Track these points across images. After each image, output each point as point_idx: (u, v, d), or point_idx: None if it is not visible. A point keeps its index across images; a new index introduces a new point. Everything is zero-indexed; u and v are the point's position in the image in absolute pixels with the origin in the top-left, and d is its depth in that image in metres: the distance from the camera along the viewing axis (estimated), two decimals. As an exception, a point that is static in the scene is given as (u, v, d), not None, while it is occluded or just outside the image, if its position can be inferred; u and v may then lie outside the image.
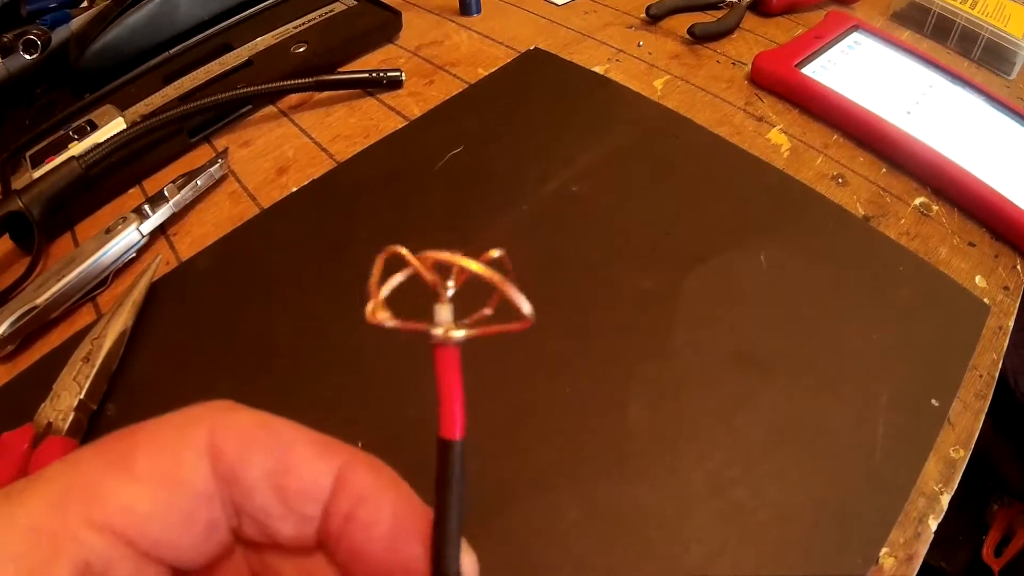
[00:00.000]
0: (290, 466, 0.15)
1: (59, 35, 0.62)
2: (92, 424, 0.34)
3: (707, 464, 0.30)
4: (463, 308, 0.14)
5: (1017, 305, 0.39)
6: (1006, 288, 0.40)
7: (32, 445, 0.33)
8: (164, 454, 0.14)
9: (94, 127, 0.51)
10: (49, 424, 0.33)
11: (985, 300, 0.38)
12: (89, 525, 0.13)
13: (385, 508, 0.15)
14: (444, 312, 0.14)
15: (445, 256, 0.14)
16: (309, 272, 0.39)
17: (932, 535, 0.30)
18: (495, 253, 0.14)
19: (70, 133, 0.51)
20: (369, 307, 0.14)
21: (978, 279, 0.40)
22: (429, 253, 0.14)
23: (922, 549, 0.30)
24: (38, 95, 0.62)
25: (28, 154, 0.50)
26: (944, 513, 0.31)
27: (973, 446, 0.33)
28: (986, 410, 0.35)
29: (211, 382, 0.35)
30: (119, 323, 0.37)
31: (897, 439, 0.31)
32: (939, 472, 0.31)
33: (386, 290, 0.14)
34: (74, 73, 0.59)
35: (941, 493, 0.31)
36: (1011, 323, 0.38)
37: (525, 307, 0.13)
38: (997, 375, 0.36)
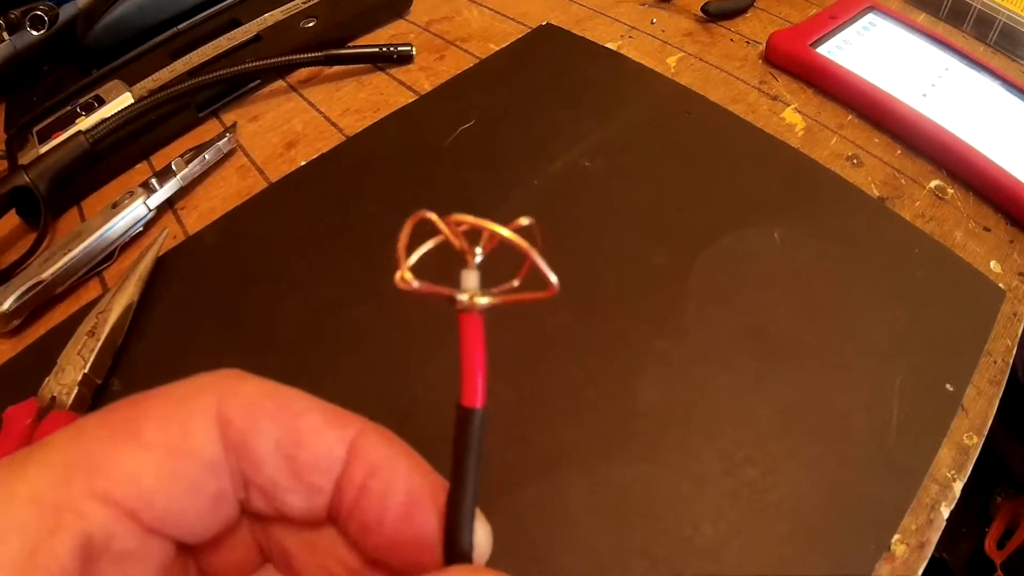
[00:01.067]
0: (301, 436, 0.14)
1: (66, 11, 0.60)
2: (96, 399, 0.34)
3: (719, 444, 0.29)
4: (487, 277, 0.14)
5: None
6: (1021, 274, 0.39)
7: (36, 419, 0.32)
8: (171, 423, 0.14)
9: (101, 102, 0.50)
10: (53, 398, 0.33)
11: (1000, 285, 0.37)
12: (92, 496, 0.13)
13: (399, 479, 0.14)
14: (471, 278, 0.14)
15: (475, 220, 0.13)
16: (317, 247, 0.38)
17: (944, 522, 0.29)
18: (524, 221, 0.14)
19: (77, 109, 0.50)
20: (398, 274, 0.14)
21: (993, 264, 0.39)
22: (458, 216, 0.14)
23: (934, 537, 0.29)
24: (45, 72, 0.61)
25: (35, 130, 0.49)
26: (956, 501, 0.30)
27: (986, 433, 0.32)
28: (1000, 396, 0.34)
29: (217, 357, 0.34)
30: (125, 297, 0.36)
31: (911, 424, 0.30)
32: (952, 459, 0.30)
33: (415, 257, 0.14)
34: (81, 49, 0.58)
35: (954, 480, 0.30)
36: (1025, 309, 0.37)
37: (552, 276, 0.13)
38: (1011, 361, 0.35)
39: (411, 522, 0.14)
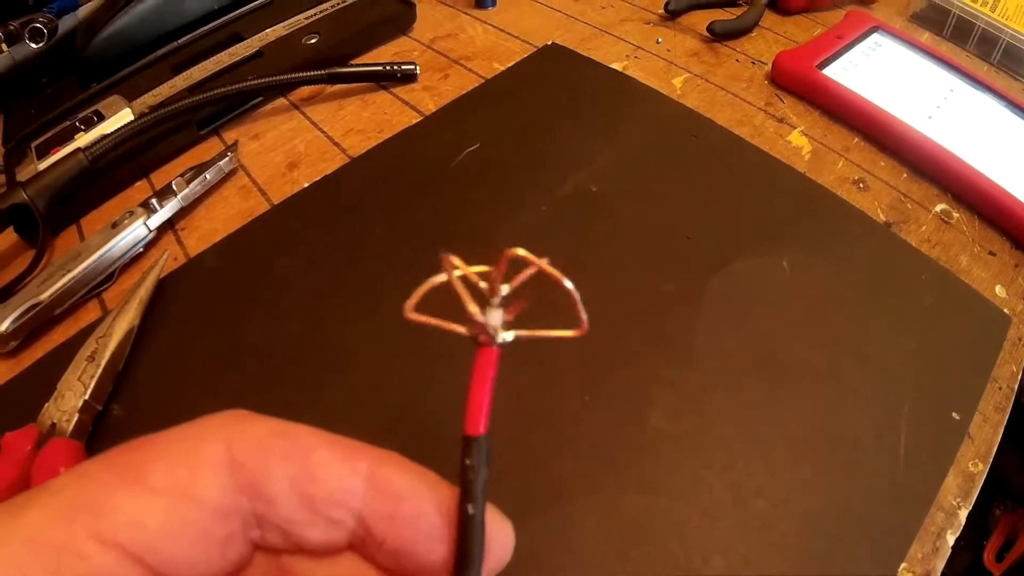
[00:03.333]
0: (314, 472, 0.15)
1: (66, 23, 0.61)
2: (97, 425, 0.34)
3: (729, 474, 0.30)
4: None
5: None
6: None
7: (36, 446, 0.32)
8: (179, 468, 0.14)
9: (101, 118, 0.50)
10: (53, 425, 0.33)
11: (1005, 311, 0.38)
12: (96, 539, 0.13)
13: (427, 503, 0.15)
14: (495, 315, 0.15)
15: (531, 257, 0.15)
16: (320, 270, 0.39)
17: (949, 550, 0.30)
18: (519, 252, 0.15)
19: (76, 124, 0.50)
20: (406, 307, 0.15)
21: (998, 289, 0.39)
22: (513, 251, 0.15)
23: (939, 564, 0.30)
24: (44, 84, 0.62)
25: (34, 145, 0.50)
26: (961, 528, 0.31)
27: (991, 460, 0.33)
28: (1005, 423, 0.34)
29: (219, 382, 0.35)
30: (125, 321, 0.36)
31: (919, 452, 0.30)
32: (958, 486, 0.31)
33: (421, 291, 0.15)
34: (81, 62, 0.59)
35: (959, 508, 0.31)
36: None
37: (584, 317, 0.14)
38: (1016, 387, 0.36)
39: (446, 541, 0.15)
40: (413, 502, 0.15)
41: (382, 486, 0.15)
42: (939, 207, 0.44)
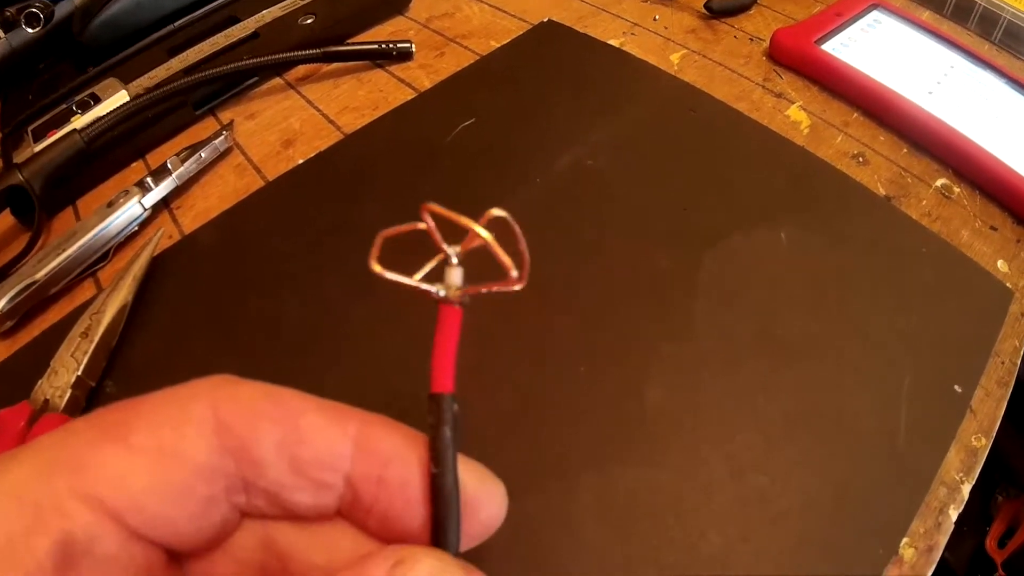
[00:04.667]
0: (302, 435, 0.14)
1: (62, 8, 0.60)
2: (90, 401, 0.33)
3: (727, 448, 0.28)
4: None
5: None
6: None
7: (29, 423, 0.32)
8: (163, 427, 0.14)
9: (97, 100, 0.49)
10: (46, 401, 0.32)
11: (1008, 285, 0.37)
12: (76, 496, 0.12)
13: (414, 466, 0.15)
14: (455, 275, 0.15)
15: (446, 212, 0.14)
16: (316, 246, 0.38)
17: (952, 525, 0.29)
18: (496, 212, 0.15)
19: (72, 107, 0.50)
20: (370, 261, 0.15)
21: (1000, 263, 0.38)
22: (431, 206, 0.15)
23: (942, 540, 0.29)
24: (41, 69, 0.61)
25: (30, 128, 0.49)
26: (964, 503, 0.30)
27: (994, 435, 0.32)
28: (1008, 397, 0.33)
29: (214, 359, 0.34)
30: (119, 298, 0.35)
31: (920, 426, 0.29)
32: (960, 461, 0.30)
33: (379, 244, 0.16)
34: (78, 47, 0.58)
35: (962, 483, 0.30)
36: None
37: (513, 271, 0.14)
38: (1019, 362, 0.35)
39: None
40: (400, 464, 0.15)
41: (370, 448, 0.15)
42: (940, 182, 0.42)
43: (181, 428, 0.14)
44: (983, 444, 0.31)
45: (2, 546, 0.12)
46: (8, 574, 0.12)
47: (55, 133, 0.47)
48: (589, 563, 0.25)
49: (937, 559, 0.28)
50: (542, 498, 0.27)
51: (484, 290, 0.15)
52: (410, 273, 0.15)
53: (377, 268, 0.15)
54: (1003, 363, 0.34)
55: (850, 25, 0.53)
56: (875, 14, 0.54)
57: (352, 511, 0.15)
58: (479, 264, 0.15)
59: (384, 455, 0.15)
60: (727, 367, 0.32)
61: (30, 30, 0.57)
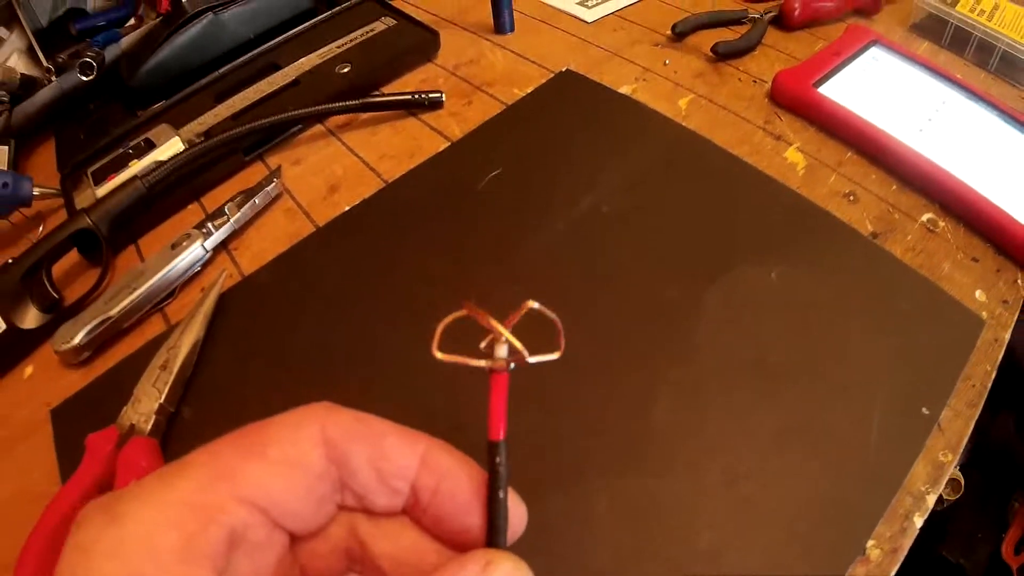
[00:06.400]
0: (385, 452, 0.20)
1: (110, 52, 0.68)
2: (170, 425, 0.40)
3: (722, 460, 0.35)
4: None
5: (1015, 318, 0.44)
6: (1005, 302, 0.44)
7: (117, 446, 0.38)
8: (289, 444, 0.19)
9: (151, 145, 0.57)
10: (132, 426, 0.39)
11: (984, 313, 0.42)
12: (234, 499, 0.17)
13: (463, 481, 0.20)
14: (502, 350, 0.20)
15: (489, 323, 0.20)
16: (362, 287, 0.45)
17: (917, 531, 0.35)
18: (532, 304, 0.20)
19: (129, 151, 0.57)
20: (434, 349, 0.20)
21: (978, 293, 0.44)
22: (473, 311, 0.20)
23: (907, 543, 0.34)
24: (91, 110, 0.69)
25: (90, 171, 0.56)
26: (929, 512, 0.36)
27: (968, 452, 0.38)
28: (976, 417, 0.39)
29: (274, 386, 0.41)
30: (192, 334, 0.42)
31: (888, 442, 0.36)
32: (927, 474, 0.36)
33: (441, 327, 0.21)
34: (127, 90, 0.65)
35: (927, 493, 0.36)
36: (1007, 335, 0.43)
37: (562, 343, 0.20)
38: (990, 385, 0.41)
39: (473, 512, 0.20)
40: (451, 479, 0.20)
41: (431, 465, 0.20)
42: (925, 216, 0.49)
43: (301, 445, 0.19)
44: (950, 459, 0.37)
45: (184, 540, 0.16)
46: (196, 559, 0.16)
47: (114, 177, 0.55)
48: (604, 557, 0.32)
49: (901, 560, 0.34)
50: (563, 500, 0.33)
51: (529, 360, 0.20)
52: (459, 349, 0.21)
53: (439, 355, 0.20)
54: (974, 386, 0.40)
55: (849, 64, 0.59)
56: (873, 51, 0.61)
57: (412, 510, 0.21)
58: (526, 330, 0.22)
59: (441, 471, 0.20)
60: (724, 388, 0.38)
61: (84, 78, 0.65)
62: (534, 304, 0.20)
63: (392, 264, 0.46)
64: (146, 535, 0.16)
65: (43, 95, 0.66)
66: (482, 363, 0.20)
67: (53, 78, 0.67)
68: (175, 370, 0.41)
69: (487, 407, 0.21)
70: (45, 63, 0.66)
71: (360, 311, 0.44)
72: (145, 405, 0.40)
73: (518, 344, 0.20)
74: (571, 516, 0.33)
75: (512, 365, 0.20)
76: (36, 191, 0.55)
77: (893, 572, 0.33)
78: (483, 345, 0.21)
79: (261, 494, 0.18)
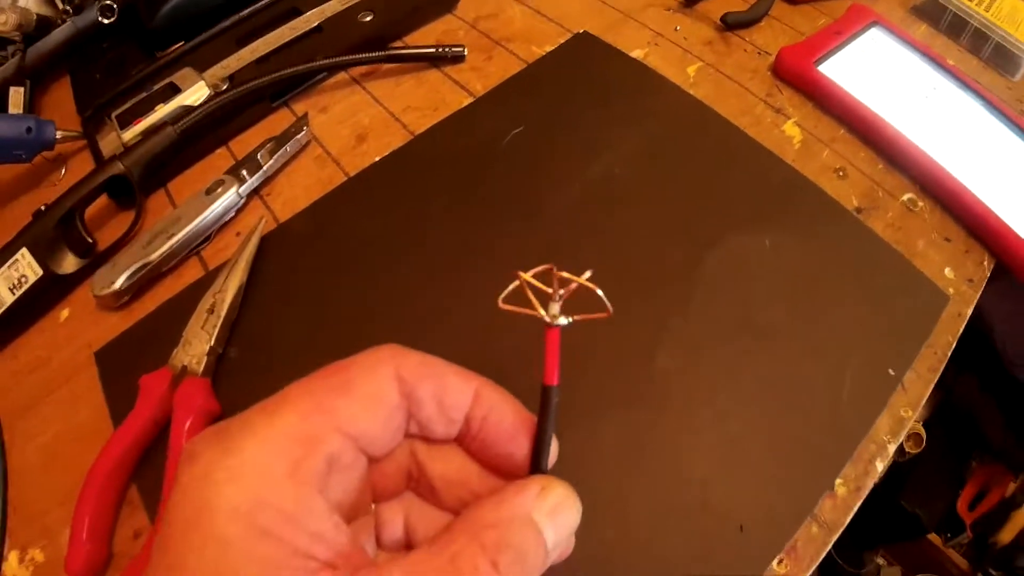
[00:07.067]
0: (446, 388, 0.23)
1: (127, -7, 0.68)
2: (219, 365, 0.44)
3: (714, 402, 0.41)
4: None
5: (979, 294, 0.50)
6: (970, 280, 0.49)
7: (171, 386, 0.41)
8: (371, 382, 0.22)
9: (176, 90, 0.58)
10: (184, 367, 0.42)
11: (950, 290, 0.48)
12: (330, 429, 0.20)
13: (507, 413, 0.24)
14: (555, 307, 0.24)
15: (570, 276, 0.24)
16: (393, 234, 0.49)
17: (879, 474, 0.41)
18: (588, 273, 0.24)
19: (154, 95, 0.58)
20: (543, 311, 0.24)
21: (947, 271, 0.49)
22: (558, 272, 0.24)
23: (869, 483, 0.40)
24: (105, 48, 0.69)
25: (114, 114, 0.57)
26: (890, 460, 0.42)
27: (920, 409, 0.44)
28: (936, 381, 0.45)
29: (314, 331, 0.45)
30: (236, 278, 0.46)
31: (857, 397, 0.42)
32: (889, 426, 0.42)
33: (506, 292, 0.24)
34: (144, 31, 0.66)
35: (889, 443, 0.41)
36: (969, 311, 0.48)
37: (609, 306, 0.24)
38: (950, 353, 0.46)
39: (513, 441, 0.24)
40: (497, 411, 0.24)
41: (481, 399, 0.24)
42: (906, 196, 0.54)
43: (381, 383, 0.22)
44: (910, 415, 0.43)
45: (292, 464, 0.19)
46: (304, 479, 0.19)
47: (140, 121, 0.56)
48: (608, 479, 0.38)
49: (863, 498, 0.40)
50: (576, 433, 0.39)
51: (578, 318, 0.24)
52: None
53: (503, 305, 0.24)
54: (935, 354, 0.46)
55: (850, 43, 0.63)
56: (873, 32, 0.65)
57: (463, 439, 0.25)
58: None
59: (489, 403, 0.24)
60: (718, 342, 0.44)
61: (105, 20, 0.65)
62: (587, 276, 0.24)
63: (422, 217, 0.50)
64: (261, 462, 0.19)
65: (57, 35, 0.66)
66: (544, 315, 0.24)
67: (68, 18, 0.67)
68: (223, 313, 0.44)
69: (538, 355, 0.24)
70: (61, 3, 0.67)
71: (393, 261, 0.48)
72: (196, 347, 0.43)
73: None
74: (583, 447, 0.39)
75: (564, 320, 0.24)
76: (59, 134, 0.57)
77: (856, 507, 0.39)
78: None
79: (351, 425, 0.21)
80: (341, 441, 0.21)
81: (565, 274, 0.24)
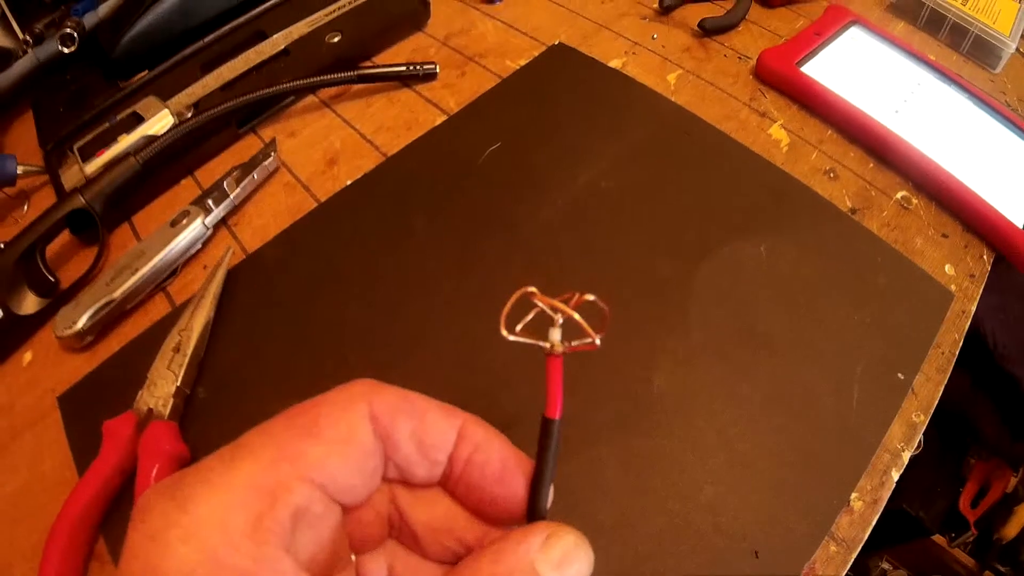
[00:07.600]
0: (426, 427, 0.22)
1: (88, 21, 0.67)
2: (187, 407, 0.41)
3: (717, 422, 0.39)
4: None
5: (981, 290, 0.49)
6: (972, 276, 0.48)
7: (136, 430, 0.39)
8: (342, 423, 0.20)
9: (139, 119, 0.56)
10: (150, 410, 0.40)
11: (952, 287, 0.47)
12: (296, 478, 0.18)
13: (494, 453, 0.22)
14: (557, 334, 0.22)
15: (553, 303, 0.22)
16: (371, 258, 0.47)
17: (894, 484, 0.40)
18: (589, 296, 0.22)
19: (116, 125, 0.56)
20: (502, 330, 0.22)
21: (948, 267, 0.48)
22: (544, 298, 0.22)
23: (885, 495, 0.39)
24: (68, 80, 0.67)
25: (76, 146, 0.55)
26: (905, 467, 0.41)
27: (932, 412, 0.43)
28: (945, 382, 0.44)
29: (287, 362, 0.43)
30: (203, 314, 0.44)
31: (868, 405, 0.40)
32: (902, 433, 0.40)
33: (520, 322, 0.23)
34: (107, 60, 0.64)
35: (903, 450, 0.40)
36: (973, 307, 0.48)
37: (598, 340, 0.22)
38: (958, 352, 0.45)
39: (503, 482, 0.22)
40: (484, 452, 0.22)
41: (467, 437, 0.22)
42: (900, 194, 0.53)
43: (353, 424, 0.21)
44: (922, 420, 0.42)
45: (253, 519, 0.17)
46: (266, 537, 0.17)
47: (103, 152, 0.55)
48: (612, 511, 0.36)
49: (881, 510, 0.38)
50: (575, 461, 0.37)
51: (576, 347, 0.22)
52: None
53: (508, 335, 0.22)
54: (943, 353, 0.44)
55: (830, 43, 0.62)
56: (853, 31, 0.64)
57: (446, 482, 0.23)
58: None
59: (474, 442, 0.22)
60: (717, 357, 0.42)
61: (65, 50, 0.64)
62: (590, 296, 0.22)
63: (398, 239, 0.48)
64: (217, 518, 0.17)
65: (19, 67, 0.64)
66: (544, 344, 0.22)
67: (29, 49, 0.66)
68: (189, 352, 0.42)
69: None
70: (21, 35, 0.65)
71: (369, 287, 0.46)
72: (162, 388, 0.41)
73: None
74: (584, 477, 0.37)
75: (562, 348, 0.22)
76: (20, 169, 0.55)
77: (873, 521, 0.38)
78: (520, 327, 0.22)
79: (320, 472, 0.19)
80: (309, 491, 0.19)
81: (559, 303, 0.22)
